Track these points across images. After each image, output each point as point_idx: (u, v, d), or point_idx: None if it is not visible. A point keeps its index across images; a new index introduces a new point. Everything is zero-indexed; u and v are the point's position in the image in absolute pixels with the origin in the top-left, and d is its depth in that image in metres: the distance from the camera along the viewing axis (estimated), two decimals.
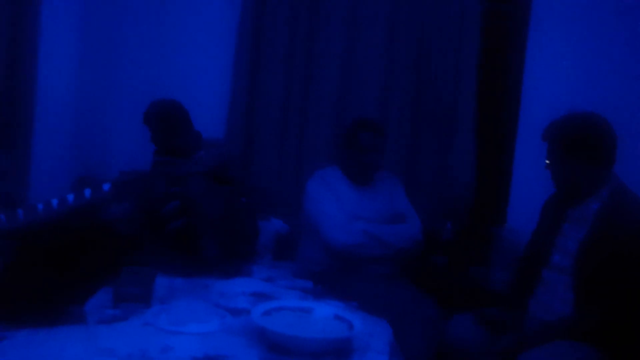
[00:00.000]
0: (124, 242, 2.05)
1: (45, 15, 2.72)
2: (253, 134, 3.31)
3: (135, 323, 1.68)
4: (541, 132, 2.04)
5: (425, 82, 3.19)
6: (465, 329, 2.09)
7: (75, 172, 3.19)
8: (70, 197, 1.76)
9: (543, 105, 2.83)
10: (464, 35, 3.13)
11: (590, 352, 1.82)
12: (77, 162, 3.26)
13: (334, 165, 2.65)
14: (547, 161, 2.04)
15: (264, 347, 1.57)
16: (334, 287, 2.25)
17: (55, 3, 2.87)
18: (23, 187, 2.14)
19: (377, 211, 2.52)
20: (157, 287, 1.90)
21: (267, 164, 3.26)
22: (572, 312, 1.92)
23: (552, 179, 2.05)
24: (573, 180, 1.99)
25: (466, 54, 3.12)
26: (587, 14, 2.95)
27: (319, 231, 2.44)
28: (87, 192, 1.77)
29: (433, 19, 3.17)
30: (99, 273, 1.88)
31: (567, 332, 1.88)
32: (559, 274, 2.00)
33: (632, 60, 2.87)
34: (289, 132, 3.28)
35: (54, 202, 1.73)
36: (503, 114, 3.21)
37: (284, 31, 3.27)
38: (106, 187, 1.78)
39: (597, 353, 1.83)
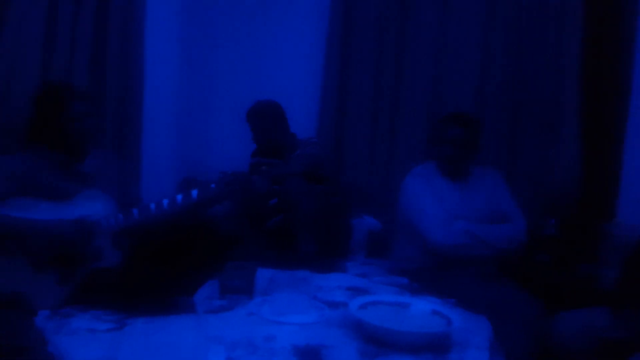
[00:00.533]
0: (227, 238, 2.18)
1: (149, 26, 2.91)
2: (344, 133, 3.32)
3: (240, 313, 1.79)
4: None
5: (524, 74, 3.05)
6: (572, 328, 1.99)
7: (179, 173, 3.39)
8: (179, 198, 1.90)
9: None
10: (565, 21, 2.98)
11: None
12: (181, 163, 3.47)
13: (429, 161, 2.57)
14: None
15: (361, 339, 1.60)
16: (430, 284, 2.23)
17: (157, 14, 3.06)
18: (135, 188, 2.32)
19: (478, 209, 2.41)
20: (258, 280, 2.00)
21: (359, 162, 3.26)
22: None
23: None
24: None
25: (568, 41, 2.96)
26: None
27: (418, 230, 2.36)
28: (194, 193, 1.90)
29: (531, 8, 3.04)
30: (205, 267, 2.01)
31: None
32: None
33: None
34: (380, 130, 3.27)
35: (165, 202, 1.88)
36: (611, 103, 3.01)
37: (374, 26, 3.25)
38: (212, 187, 1.91)
39: None
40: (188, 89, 3.53)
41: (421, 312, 1.76)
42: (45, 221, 1.77)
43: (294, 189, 2.60)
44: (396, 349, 1.55)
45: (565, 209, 2.89)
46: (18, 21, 2.27)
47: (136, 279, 1.82)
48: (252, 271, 2.00)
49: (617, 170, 2.90)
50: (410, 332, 1.61)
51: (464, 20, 3.13)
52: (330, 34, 3.32)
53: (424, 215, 2.34)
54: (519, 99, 3.07)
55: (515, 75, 3.07)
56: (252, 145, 3.01)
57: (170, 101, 3.41)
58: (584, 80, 2.95)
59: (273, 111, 2.85)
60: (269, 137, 2.81)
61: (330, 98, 3.32)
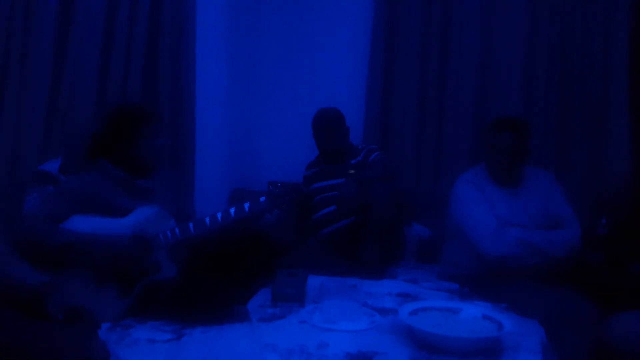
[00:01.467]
0: (278, 247, 2.23)
1: (199, 42, 3.01)
2: (389, 138, 3.34)
3: (293, 321, 1.83)
4: None
5: (571, 72, 3.01)
6: (627, 330, 1.95)
7: (230, 185, 3.49)
8: (232, 210, 1.97)
9: None
10: (612, 17, 2.93)
11: None
12: (231, 175, 3.56)
13: (480, 165, 2.50)
14: None
15: (413, 345, 1.62)
16: (481, 289, 2.21)
17: (207, 29, 3.15)
18: (190, 201, 2.41)
19: (530, 215, 2.33)
20: (309, 288, 2.05)
21: (405, 167, 3.25)
22: None
23: None
24: None
25: (616, 37, 2.92)
26: None
27: (470, 239, 2.31)
28: (247, 205, 1.97)
29: (577, 3, 2.99)
30: (258, 276, 2.07)
31: None
32: None
33: None
34: (426, 134, 3.27)
35: (219, 215, 1.95)
36: None
37: (417, 30, 3.27)
38: (262, 199, 1.96)
39: None
40: (237, 101, 3.62)
41: (472, 317, 1.76)
42: (106, 237, 1.86)
43: (379, 195, 2.63)
44: (447, 354, 1.56)
45: (617, 208, 2.82)
46: (77, 50, 2.39)
47: (192, 290, 1.88)
48: (303, 279, 2.05)
49: None
50: (461, 337, 1.62)
51: (508, 22, 3.12)
52: (374, 40, 3.36)
53: (476, 223, 2.29)
54: (566, 98, 3.04)
55: (561, 75, 3.04)
56: (301, 154, 3.09)
57: (221, 114, 3.50)
58: (632, 76, 2.89)
59: (338, 117, 2.91)
60: (334, 143, 2.86)
61: (375, 104, 3.35)
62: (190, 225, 1.93)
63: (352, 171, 2.68)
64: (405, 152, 3.26)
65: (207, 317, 1.80)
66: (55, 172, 2.19)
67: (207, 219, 1.94)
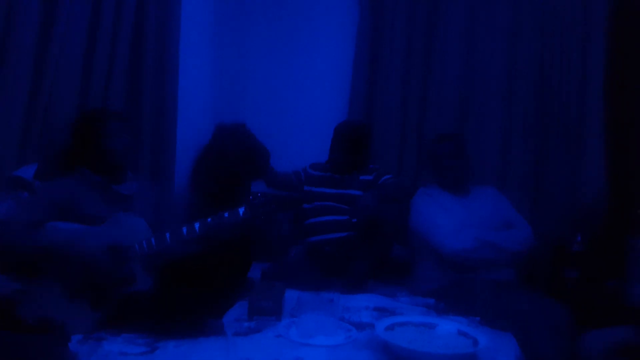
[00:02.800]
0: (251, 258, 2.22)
1: (182, 53, 2.97)
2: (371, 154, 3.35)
3: (269, 335, 1.81)
4: None
5: (549, 89, 3.06)
6: (600, 346, 1.98)
7: None
8: (210, 220, 1.95)
9: None
10: (589, 37, 2.99)
11: None
12: None
13: (431, 184, 2.72)
14: None
15: None
16: (454, 302, 2.23)
17: (190, 39, 3.12)
18: (168, 210, 2.38)
19: (484, 220, 2.51)
20: (286, 301, 2.04)
21: None
22: None
23: None
24: None
25: (592, 56, 2.97)
26: None
27: (431, 242, 2.46)
28: (225, 215, 1.95)
29: (555, 22, 3.05)
30: (234, 288, 2.06)
31: None
32: None
33: None
34: (406, 154, 3.29)
35: (197, 225, 1.93)
36: (635, 117, 2.98)
37: (400, 48, 3.29)
38: (241, 210, 1.95)
39: None
40: (221, 108, 3.57)
41: (447, 333, 1.77)
42: (81, 247, 1.84)
43: (390, 215, 2.74)
44: None
45: (592, 225, 2.87)
46: (59, 55, 2.36)
47: (167, 303, 1.86)
48: (280, 292, 2.03)
49: None
50: (436, 353, 1.62)
51: (489, 42, 3.17)
52: (357, 56, 3.38)
53: (434, 226, 2.47)
54: (543, 114, 3.08)
55: (539, 92, 3.08)
56: (285, 161, 3.04)
57: (204, 121, 3.43)
58: (607, 94, 2.95)
59: (367, 133, 2.94)
60: (355, 156, 2.86)
61: (357, 109, 3.37)
62: (167, 235, 1.91)
63: (372, 190, 2.74)
64: (387, 160, 3.25)
65: (182, 331, 1.77)
66: (30, 178, 2.16)
67: (184, 229, 1.92)
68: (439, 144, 2.69)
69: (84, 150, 2.07)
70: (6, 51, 2.21)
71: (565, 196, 3.00)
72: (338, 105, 3.42)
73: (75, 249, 1.83)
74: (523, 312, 2.12)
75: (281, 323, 1.89)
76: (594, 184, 2.92)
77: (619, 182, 2.95)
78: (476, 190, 2.69)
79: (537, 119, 3.08)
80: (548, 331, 2.09)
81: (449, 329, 1.79)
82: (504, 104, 3.13)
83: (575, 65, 3.02)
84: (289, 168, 3.06)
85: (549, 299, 2.31)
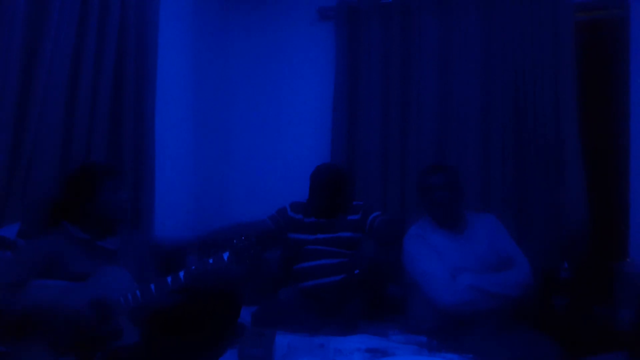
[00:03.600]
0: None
1: (162, 95, 2.98)
2: (354, 189, 3.31)
3: None
4: None
5: (525, 118, 3.13)
6: None
7: (198, 231, 3.42)
8: (194, 268, 1.94)
9: None
10: (560, 65, 3.07)
11: None
12: (199, 227, 3.50)
13: (423, 218, 2.60)
14: None
15: None
16: (447, 340, 2.20)
17: (169, 79, 3.13)
18: (151, 262, 2.36)
19: (480, 258, 2.39)
20: (276, 347, 2.01)
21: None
22: None
23: None
24: None
25: (564, 84, 3.05)
26: None
27: (424, 292, 2.37)
28: (210, 261, 1.95)
29: (527, 52, 3.14)
30: (224, 336, 2.03)
31: None
32: None
33: None
34: (390, 184, 3.34)
35: (181, 274, 1.92)
36: (612, 142, 3.06)
37: (378, 84, 3.39)
38: (225, 255, 1.95)
39: None
40: (202, 152, 3.61)
41: None
42: (64, 306, 1.81)
43: (386, 255, 2.72)
44: None
45: (577, 251, 2.90)
46: (39, 113, 2.36)
47: (155, 355, 1.83)
48: (270, 338, 2.01)
49: (625, 209, 2.92)
50: None
51: (464, 73, 3.25)
52: (337, 91, 3.48)
53: (427, 277, 2.35)
54: (521, 145, 3.14)
55: (515, 122, 3.15)
56: (268, 201, 3.07)
57: (184, 166, 3.46)
58: (584, 122, 3.02)
59: (343, 176, 2.91)
60: (334, 200, 2.85)
61: (339, 152, 3.43)
62: (152, 286, 1.90)
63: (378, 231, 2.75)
64: (371, 197, 3.29)
65: None
66: (13, 237, 2.14)
67: (169, 279, 1.91)
68: (429, 176, 2.53)
69: (77, 205, 2.04)
70: None
71: (548, 223, 3.03)
72: (320, 146, 3.48)
73: (59, 308, 1.80)
74: (515, 349, 2.11)
75: None
76: (576, 209, 2.96)
77: (601, 207, 3.00)
78: (473, 222, 2.54)
79: (515, 146, 3.14)
80: None
81: None
82: (482, 132, 3.20)
83: (549, 91, 3.09)
84: (272, 208, 3.03)
85: (540, 334, 2.29)
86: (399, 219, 2.98)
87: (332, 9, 3.54)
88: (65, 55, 2.45)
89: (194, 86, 3.54)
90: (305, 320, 2.47)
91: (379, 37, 3.39)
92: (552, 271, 2.83)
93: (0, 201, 2.23)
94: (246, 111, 3.77)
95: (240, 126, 3.76)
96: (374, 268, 2.66)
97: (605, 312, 2.67)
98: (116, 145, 2.73)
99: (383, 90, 3.38)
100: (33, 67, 2.34)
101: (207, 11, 3.65)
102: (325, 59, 3.57)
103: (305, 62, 3.68)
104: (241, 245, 1.99)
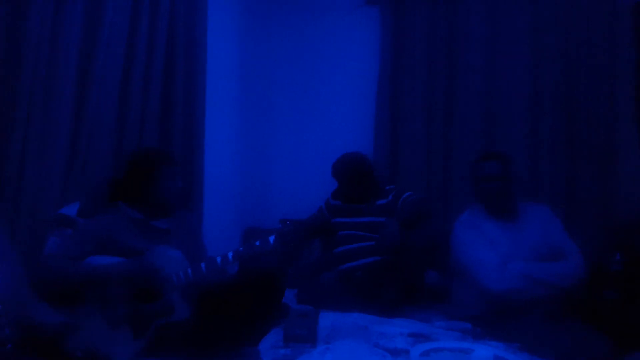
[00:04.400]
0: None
1: (209, 90, 3.07)
2: (398, 179, 3.37)
3: None
4: None
5: (577, 106, 3.06)
6: None
7: (242, 224, 3.54)
8: (242, 249, 2.00)
9: None
10: (616, 50, 2.98)
11: None
12: (244, 214, 3.61)
13: (474, 205, 2.56)
14: None
15: None
16: (494, 329, 2.19)
17: (217, 73, 3.22)
18: (201, 243, 2.45)
19: (531, 248, 2.35)
20: (320, 328, 2.06)
21: None
22: None
23: None
24: None
25: (621, 70, 2.97)
26: None
27: (473, 278, 2.34)
28: (257, 244, 2.00)
29: (580, 37, 3.06)
30: (269, 316, 2.09)
31: None
32: None
33: None
34: (434, 173, 3.33)
35: (230, 254, 1.99)
36: None
37: (423, 68, 3.36)
38: (272, 239, 2.00)
39: None
40: (248, 142, 3.71)
41: (483, 358, 1.75)
42: (122, 263, 1.94)
43: (417, 239, 2.79)
44: None
45: (630, 244, 2.80)
46: (96, 100, 2.49)
47: (204, 331, 1.91)
48: (314, 319, 2.06)
49: None
50: None
51: (512, 60, 3.19)
52: (381, 80, 3.46)
53: (477, 262, 2.33)
54: (572, 134, 3.06)
55: (566, 111, 3.07)
56: (312, 191, 3.17)
57: (232, 154, 3.57)
58: (639, 103, 2.92)
59: (363, 164, 2.98)
60: (359, 188, 2.93)
61: (382, 144, 3.43)
62: (202, 265, 1.97)
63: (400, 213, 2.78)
64: (415, 187, 3.24)
65: (219, 358, 1.82)
66: (73, 215, 2.26)
67: (219, 259, 1.97)
68: (481, 164, 2.49)
69: (136, 187, 2.13)
70: (50, 99, 2.35)
71: (600, 213, 2.96)
72: (363, 136, 3.48)
73: (117, 266, 1.92)
74: (563, 341, 2.07)
75: (316, 350, 1.90)
76: (630, 199, 2.88)
77: None
78: (526, 212, 2.49)
79: (565, 133, 3.07)
80: None
81: (485, 355, 1.77)
82: (530, 120, 3.14)
83: (603, 73, 3.00)
84: (315, 201, 3.12)
85: (590, 327, 2.23)
86: (424, 198, 3.00)
87: None
88: (119, 46, 2.59)
89: (240, 74, 3.62)
90: (345, 302, 2.50)
91: (425, 23, 3.36)
92: (603, 264, 2.75)
93: (61, 183, 2.37)
94: (290, 100, 3.81)
95: (284, 115, 3.81)
96: (398, 249, 2.67)
97: None
98: (167, 132, 2.85)
99: (428, 78, 3.35)
100: (90, 60, 2.48)
101: (252, 0, 3.72)
102: (370, 45, 3.56)
103: (349, 48, 3.67)
104: (286, 229, 2.03)
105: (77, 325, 1.67)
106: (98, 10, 2.49)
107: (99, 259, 1.97)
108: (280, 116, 3.83)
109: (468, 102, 3.27)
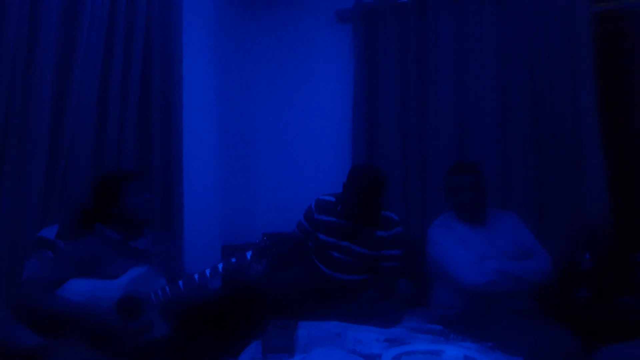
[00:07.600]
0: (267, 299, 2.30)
1: (186, 102, 3.10)
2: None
3: None
4: None
5: (543, 113, 3.15)
6: None
7: (222, 241, 3.56)
8: (220, 266, 2.06)
9: None
10: (577, 57, 3.08)
11: None
12: (224, 231, 3.63)
13: (447, 212, 2.68)
14: None
15: None
16: (468, 328, 2.26)
17: (195, 85, 3.27)
18: (179, 259, 2.49)
19: (502, 250, 2.48)
20: (299, 337, 2.10)
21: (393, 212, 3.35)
22: None
23: None
24: None
25: (582, 77, 3.06)
26: None
27: (450, 275, 2.45)
28: (233, 260, 2.06)
29: (543, 46, 3.15)
30: (249, 328, 2.13)
31: None
32: None
33: None
34: (411, 181, 3.40)
35: (207, 271, 2.04)
36: (632, 134, 3.04)
37: (396, 85, 3.45)
38: (249, 254, 2.05)
39: None
40: (228, 156, 3.73)
41: (454, 359, 1.81)
42: (94, 309, 1.93)
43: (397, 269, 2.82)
44: None
45: (599, 242, 2.89)
46: (73, 127, 2.52)
47: (184, 346, 1.95)
48: (292, 329, 2.10)
49: None
50: None
51: (480, 69, 3.29)
52: (356, 94, 3.56)
53: (452, 259, 2.45)
54: (540, 139, 3.15)
55: (534, 117, 3.17)
56: (295, 204, 3.07)
57: (212, 170, 3.58)
58: (602, 113, 3.02)
59: (382, 182, 2.69)
60: (371, 208, 2.68)
61: (360, 154, 3.51)
62: (180, 283, 2.02)
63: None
64: (392, 196, 3.34)
65: None
66: (52, 238, 2.29)
67: (196, 276, 2.02)
68: (455, 176, 2.58)
69: (105, 209, 2.18)
70: (25, 128, 2.36)
71: (569, 215, 3.04)
72: (342, 147, 3.57)
73: (89, 310, 1.92)
74: (535, 338, 2.14)
75: (294, 359, 1.95)
76: (597, 200, 2.96)
77: (622, 197, 2.98)
78: (495, 218, 2.62)
79: (533, 139, 3.15)
80: (558, 358, 2.10)
81: (455, 355, 1.83)
82: (500, 126, 3.23)
83: (567, 84, 3.10)
84: (297, 214, 3.02)
85: (562, 326, 2.31)
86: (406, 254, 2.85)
87: (350, 10, 3.63)
88: (95, 66, 2.62)
89: (218, 90, 3.65)
90: (321, 306, 2.55)
91: (396, 36, 3.46)
92: (574, 263, 2.84)
93: (40, 205, 2.39)
94: (268, 113, 3.87)
95: (262, 127, 3.87)
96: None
97: (627, 303, 2.66)
98: (145, 152, 2.88)
99: (401, 90, 3.45)
100: (66, 80, 2.51)
101: (227, 16, 3.78)
102: (344, 61, 3.65)
103: (324, 64, 3.77)
104: (263, 245, 2.09)
105: (55, 348, 1.69)
106: (75, 19, 2.51)
107: (79, 283, 1.99)
108: (258, 126, 3.89)
109: (440, 110, 3.36)
